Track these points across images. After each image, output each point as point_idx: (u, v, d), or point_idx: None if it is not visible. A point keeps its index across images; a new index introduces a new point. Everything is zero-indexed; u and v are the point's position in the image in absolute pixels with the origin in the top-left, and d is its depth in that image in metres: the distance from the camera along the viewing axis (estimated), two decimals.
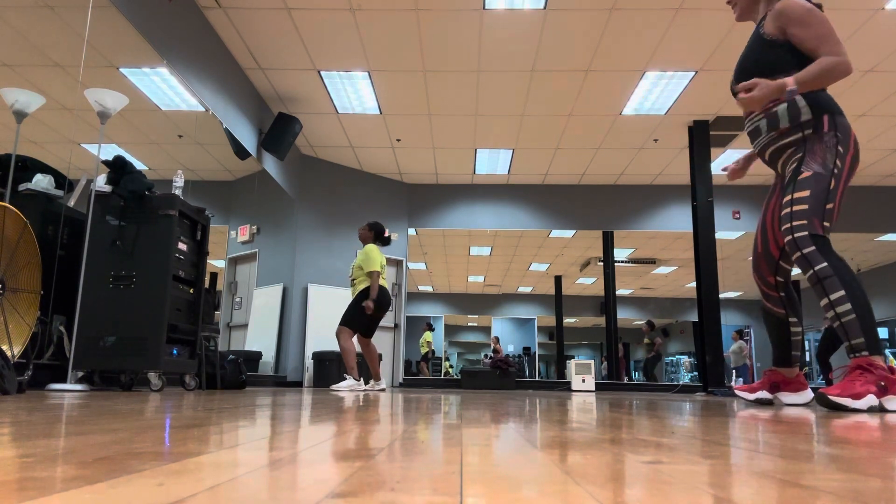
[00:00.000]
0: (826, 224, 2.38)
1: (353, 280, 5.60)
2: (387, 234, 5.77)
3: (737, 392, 3.00)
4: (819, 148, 2.42)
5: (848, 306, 2.28)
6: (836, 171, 2.40)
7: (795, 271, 4.54)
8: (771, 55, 2.53)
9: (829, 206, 2.38)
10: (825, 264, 2.32)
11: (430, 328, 13.34)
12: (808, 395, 2.78)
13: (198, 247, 4.18)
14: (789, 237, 2.41)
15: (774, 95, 2.37)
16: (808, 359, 11.61)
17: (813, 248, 2.35)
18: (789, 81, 2.35)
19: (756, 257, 2.84)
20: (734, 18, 2.85)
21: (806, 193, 2.40)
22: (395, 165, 8.79)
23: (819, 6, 2.57)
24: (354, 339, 5.59)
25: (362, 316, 5.42)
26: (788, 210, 2.43)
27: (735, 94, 2.73)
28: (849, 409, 2.16)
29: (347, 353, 5.37)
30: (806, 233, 2.36)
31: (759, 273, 2.83)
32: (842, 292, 2.29)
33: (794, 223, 2.39)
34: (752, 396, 2.90)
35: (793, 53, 2.51)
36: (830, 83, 2.39)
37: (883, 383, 2.20)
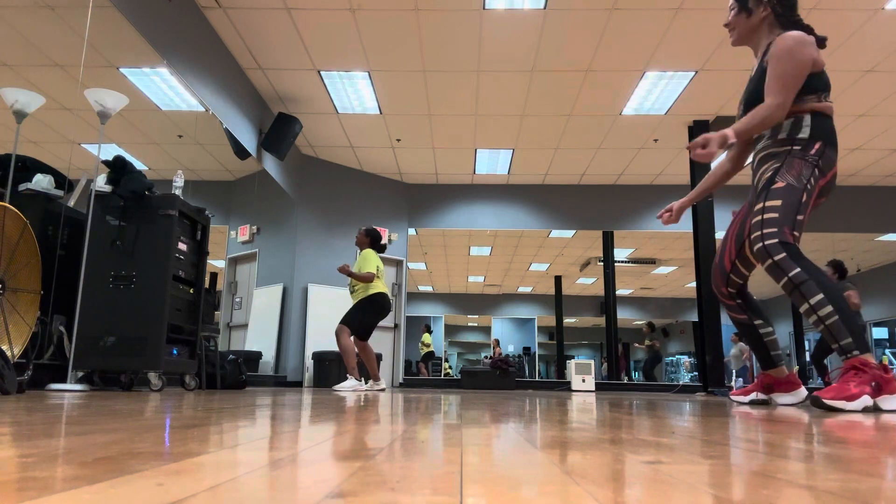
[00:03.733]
0: (796, 234, 2.39)
1: (353, 287, 5.60)
2: (383, 242, 5.79)
3: (732, 397, 3.03)
4: (798, 163, 2.46)
5: (830, 308, 2.27)
6: (808, 186, 2.43)
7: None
8: None
9: (800, 217, 2.40)
10: (798, 269, 2.32)
11: (429, 330, 13.34)
12: (801, 393, 2.79)
13: (198, 247, 4.18)
14: (759, 245, 2.40)
15: (721, 147, 2.39)
16: (807, 358, 11.61)
17: (784, 254, 2.34)
18: (730, 133, 2.38)
19: (713, 266, 2.88)
20: (730, 42, 2.87)
21: (777, 203, 2.42)
22: (395, 165, 8.79)
23: (822, 40, 2.58)
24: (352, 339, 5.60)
25: (363, 318, 5.45)
26: (759, 218, 2.44)
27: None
28: (844, 411, 2.16)
29: (347, 352, 5.38)
30: (776, 240, 2.36)
31: (714, 282, 2.87)
32: (821, 295, 2.28)
33: (765, 231, 2.40)
34: (746, 399, 2.92)
35: None
36: (760, 130, 2.43)
37: (876, 383, 2.21)
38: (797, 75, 2.45)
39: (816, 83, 2.52)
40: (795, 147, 2.49)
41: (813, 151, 2.46)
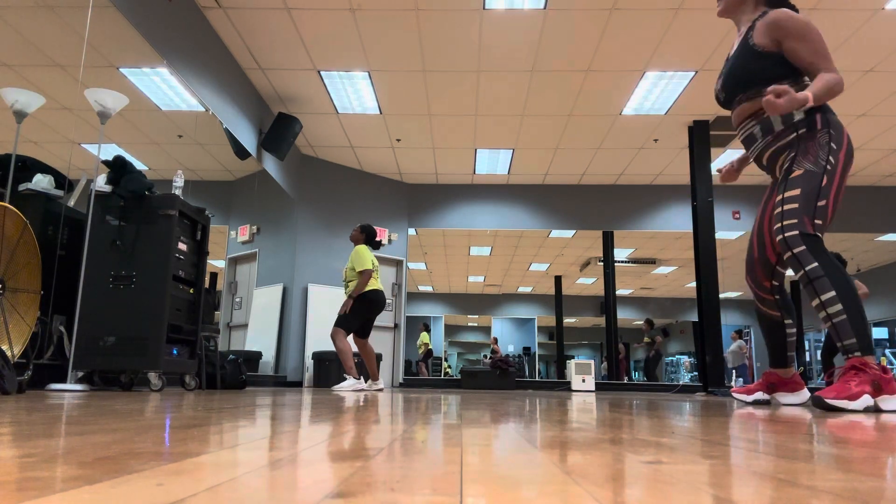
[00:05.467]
0: (818, 222, 2.37)
1: (347, 282, 5.62)
2: (378, 238, 5.81)
3: (734, 395, 3.01)
4: (811, 146, 2.44)
5: (839, 307, 2.28)
6: (828, 167, 2.40)
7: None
8: (762, 65, 2.55)
9: (821, 203, 2.38)
10: (815, 264, 2.32)
11: (427, 328, 13.34)
12: (804, 394, 2.79)
13: (198, 247, 4.18)
14: (780, 236, 2.41)
15: (795, 108, 2.34)
16: (808, 358, 11.61)
17: (803, 247, 2.34)
18: (810, 97, 2.33)
19: (751, 261, 2.84)
20: (716, 13, 2.86)
21: (797, 192, 2.40)
22: (395, 165, 8.79)
23: (796, 10, 2.61)
24: (350, 339, 5.60)
25: (356, 316, 5.44)
26: (780, 210, 2.44)
27: (722, 100, 2.74)
28: (846, 410, 2.17)
29: (344, 353, 5.38)
30: (796, 232, 2.36)
31: (753, 277, 2.83)
32: (832, 293, 2.29)
33: (785, 222, 2.40)
34: (749, 398, 2.91)
35: (783, 65, 2.54)
36: (831, 98, 2.40)
37: (877, 383, 2.21)
38: (825, 46, 2.45)
39: (797, 75, 2.54)
40: (801, 130, 2.48)
41: (819, 126, 2.44)
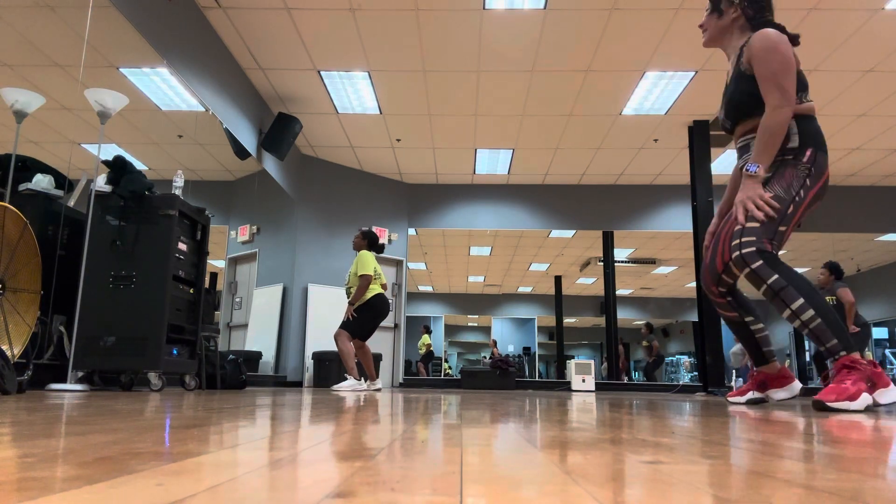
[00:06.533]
0: (775, 243, 2.38)
1: (349, 288, 5.61)
2: (381, 242, 5.82)
3: (729, 398, 3.04)
4: (789, 173, 2.43)
5: (811, 312, 2.27)
6: (797, 198, 2.40)
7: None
8: (753, 88, 2.54)
9: (782, 228, 2.39)
10: (776, 276, 2.31)
11: (428, 331, 13.33)
12: (795, 387, 2.81)
13: (198, 247, 4.18)
14: (737, 253, 2.39)
15: (758, 190, 2.39)
16: (808, 359, 11.60)
17: (761, 262, 2.33)
18: (760, 173, 2.39)
19: (703, 267, 2.86)
20: (701, 43, 2.85)
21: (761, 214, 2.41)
22: (395, 165, 8.79)
23: (795, 38, 2.56)
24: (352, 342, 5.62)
25: (362, 323, 5.46)
26: (741, 227, 2.43)
27: (728, 127, 2.75)
28: (849, 411, 2.17)
29: (346, 355, 5.40)
30: (753, 249, 2.35)
31: (703, 282, 2.86)
32: (801, 300, 2.27)
33: (744, 239, 2.39)
34: (743, 399, 2.94)
35: None
36: (780, 140, 2.39)
37: (870, 378, 2.23)
38: (787, 70, 2.41)
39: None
40: (787, 157, 2.47)
41: (805, 159, 2.44)
